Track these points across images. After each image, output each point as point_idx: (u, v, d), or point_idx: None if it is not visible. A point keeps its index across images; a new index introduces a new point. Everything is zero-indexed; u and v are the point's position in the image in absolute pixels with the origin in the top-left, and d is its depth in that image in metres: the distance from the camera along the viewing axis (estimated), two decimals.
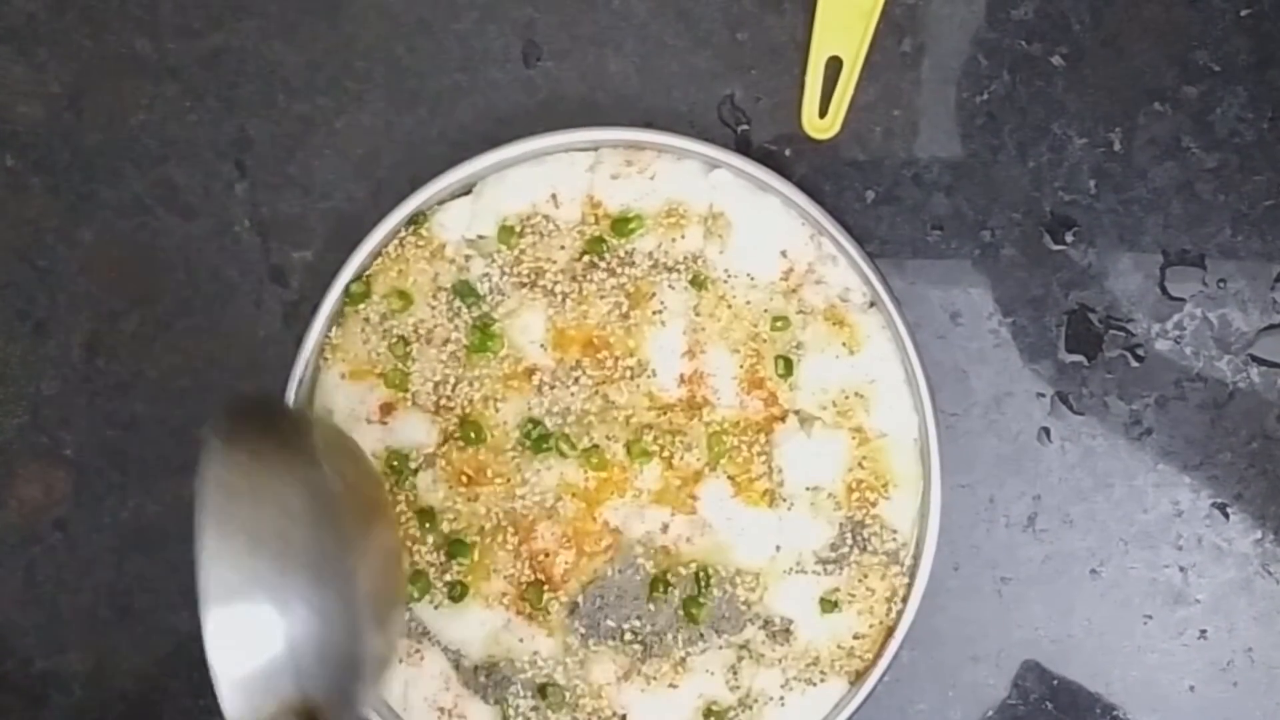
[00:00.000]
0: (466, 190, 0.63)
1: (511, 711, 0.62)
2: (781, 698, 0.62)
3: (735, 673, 0.62)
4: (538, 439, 0.62)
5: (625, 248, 0.63)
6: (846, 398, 0.62)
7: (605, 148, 0.63)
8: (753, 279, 0.63)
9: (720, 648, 0.62)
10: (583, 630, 0.62)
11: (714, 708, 0.62)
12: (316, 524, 0.49)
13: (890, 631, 0.62)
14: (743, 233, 0.62)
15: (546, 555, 0.62)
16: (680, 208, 0.63)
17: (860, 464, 0.62)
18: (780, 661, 0.62)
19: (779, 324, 0.62)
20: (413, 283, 0.63)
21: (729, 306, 0.62)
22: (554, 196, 0.63)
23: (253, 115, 0.66)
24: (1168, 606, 0.65)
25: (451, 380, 0.63)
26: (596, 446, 0.62)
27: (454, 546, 0.62)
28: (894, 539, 0.62)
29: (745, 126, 0.66)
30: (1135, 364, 0.65)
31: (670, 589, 0.62)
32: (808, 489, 0.62)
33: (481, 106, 0.66)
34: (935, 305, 0.65)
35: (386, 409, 0.63)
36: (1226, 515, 0.65)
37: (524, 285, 0.63)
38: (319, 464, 0.51)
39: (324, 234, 0.66)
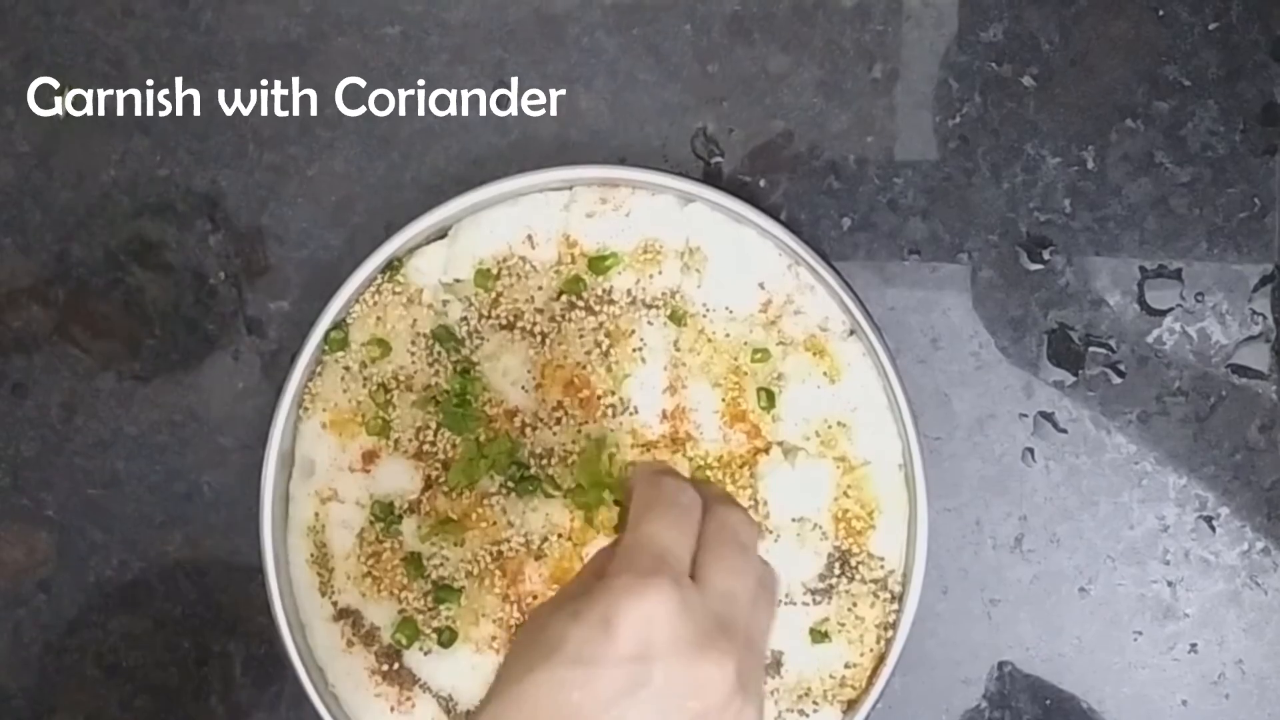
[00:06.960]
0: (442, 234, 0.63)
1: None
2: None
3: None
4: (522, 481, 0.62)
5: (603, 286, 0.62)
6: (829, 427, 0.62)
7: (579, 186, 0.63)
8: (731, 312, 0.62)
9: None
10: None
11: None
12: None
13: (881, 659, 0.62)
14: (720, 266, 0.62)
15: (535, 597, 0.62)
16: (656, 243, 0.62)
17: (845, 493, 0.62)
18: (773, 694, 0.62)
19: (759, 356, 0.62)
20: (391, 329, 0.63)
21: (709, 340, 0.62)
22: (530, 237, 0.63)
23: (224, 167, 0.66)
24: (1157, 621, 0.65)
25: (433, 425, 0.62)
26: (581, 486, 0.62)
27: (442, 592, 0.62)
28: (882, 566, 0.62)
29: (719, 158, 0.65)
30: (1117, 380, 0.65)
31: None
32: (794, 520, 0.62)
33: (454, 149, 0.65)
34: (915, 330, 0.65)
35: (369, 457, 0.63)
36: (1213, 528, 0.65)
37: (503, 327, 0.63)
38: None
39: (300, 283, 0.66)
